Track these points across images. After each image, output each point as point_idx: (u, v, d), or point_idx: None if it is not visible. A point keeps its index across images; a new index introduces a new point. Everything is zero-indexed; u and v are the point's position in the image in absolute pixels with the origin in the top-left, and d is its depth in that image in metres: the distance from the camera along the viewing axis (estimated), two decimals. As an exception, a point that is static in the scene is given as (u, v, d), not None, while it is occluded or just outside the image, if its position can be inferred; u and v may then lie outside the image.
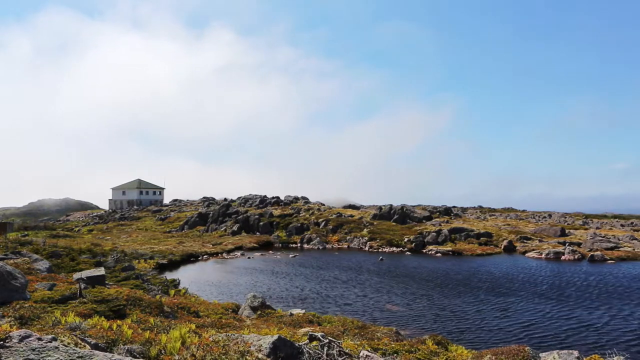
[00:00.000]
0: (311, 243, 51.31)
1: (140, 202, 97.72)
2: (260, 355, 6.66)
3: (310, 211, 64.72)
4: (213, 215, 64.52)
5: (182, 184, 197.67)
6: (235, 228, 58.37)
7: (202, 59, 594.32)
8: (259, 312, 16.29)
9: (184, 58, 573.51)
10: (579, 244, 43.12)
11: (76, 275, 15.72)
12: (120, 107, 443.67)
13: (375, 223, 55.95)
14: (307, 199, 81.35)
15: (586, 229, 56.22)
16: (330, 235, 54.16)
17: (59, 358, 4.59)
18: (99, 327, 7.59)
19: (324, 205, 74.09)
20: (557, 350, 7.86)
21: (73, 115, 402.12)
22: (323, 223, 57.23)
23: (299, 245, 51.70)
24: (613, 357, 8.39)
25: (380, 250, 46.57)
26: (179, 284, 25.01)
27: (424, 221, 57.00)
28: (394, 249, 46.46)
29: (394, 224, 55.98)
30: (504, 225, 58.98)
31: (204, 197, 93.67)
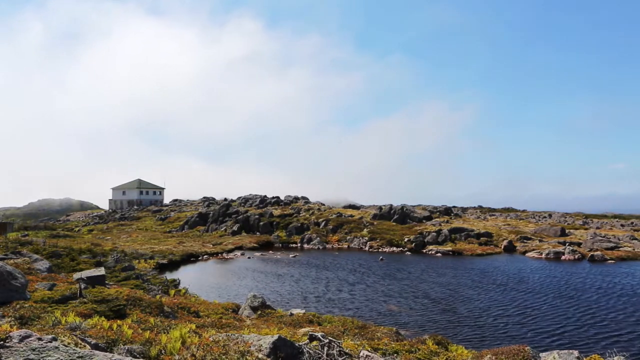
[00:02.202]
0: (311, 243, 51.31)
1: (140, 202, 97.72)
2: (260, 355, 6.66)
3: (311, 211, 64.71)
4: (213, 215, 64.52)
5: (185, 183, 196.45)
6: (235, 228, 58.37)
7: (222, 49, 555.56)
8: (259, 312, 16.28)
9: (202, 48, 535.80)
10: (579, 244, 43.11)
11: (76, 275, 15.72)
12: (129, 102, 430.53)
13: (375, 223, 55.94)
14: (307, 198, 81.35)
15: (586, 229, 56.19)
16: (331, 235, 54.15)
17: (59, 358, 4.59)
18: (99, 327, 7.59)
19: (324, 205, 74.06)
20: (557, 350, 7.86)
21: (79, 111, 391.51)
22: (323, 223, 57.21)
23: (299, 245, 51.70)
24: (613, 357, 8.39)
25: (380, 250, 46.57)
26: (179, 284, 25.01)
27: (424, 221, 56.99)
28: (394, 249, 46.45)
29: (394, 224, 55.96)
30: (504, 225, 58.97)
31: (204, 197, 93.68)
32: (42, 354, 4.60)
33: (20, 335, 4.93)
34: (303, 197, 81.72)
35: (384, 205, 63.10)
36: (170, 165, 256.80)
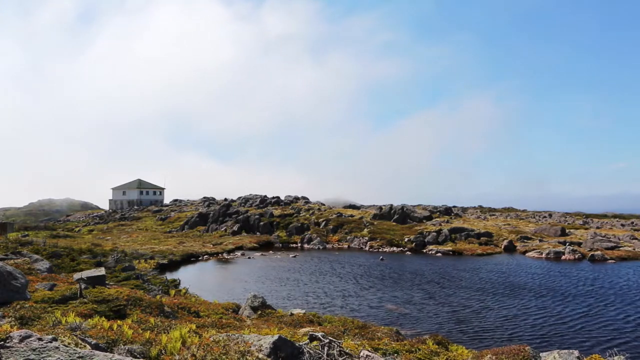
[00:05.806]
0: (311, 243, 51.30)
1: (140, 202, 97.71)
2: (260, 355, 6.66)
3: (311, 211, 64.72)
4: (213, 215, 64.52)
5: (191, 183, 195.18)
6: (235, 228, 58.37)
7: (258, 29, 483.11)
8: (259, 312, 16.28)
9: (235, 28, 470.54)
10: (579, 244, 43.10)
11: (76, 276, 15.71)
12: (141, 94, 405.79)
13: (375, 223, 55.94)
14: (307, 198, 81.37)
15: (586, 229, 56.16)
16: (331, 235, 54.16)
17: (59, 358, 4.59)
18: (99, 327, 7.59)
19: (324, 205, 74.10)
20: (558, 350, 7.86)
21: (87, 105, 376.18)
22: (323, 223, 57.21)
23: (299, 245, 51.70)
24: (613, 357, 8.38)
25: (380, 250, 46.56)
26: (179, 284, 25.01)
27: (424, 221, 56.99)
28: (395, 248, 46.44)
29: (394, 223, 55.97)
30: (504, 225, 58.95)
31: (204, 197, 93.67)
32: (42, 354, 4.60)
33: (20, 336, 4.93)
34: (303, 197, 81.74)
35: (384, 205, 63.10)
36: (179, 164, 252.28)
